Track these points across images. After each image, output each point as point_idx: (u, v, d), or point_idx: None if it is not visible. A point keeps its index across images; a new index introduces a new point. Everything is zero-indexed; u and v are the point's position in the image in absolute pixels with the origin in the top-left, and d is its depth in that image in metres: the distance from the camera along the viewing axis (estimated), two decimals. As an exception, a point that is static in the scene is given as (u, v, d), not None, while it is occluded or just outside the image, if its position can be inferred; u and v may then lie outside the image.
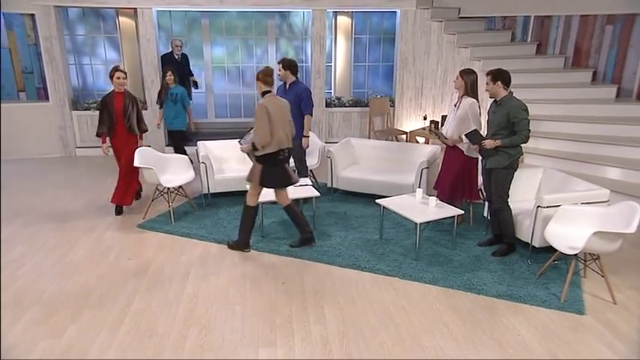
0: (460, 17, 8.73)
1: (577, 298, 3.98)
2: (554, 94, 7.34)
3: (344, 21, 9.06)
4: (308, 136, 5.69)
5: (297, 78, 5.69)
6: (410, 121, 8.70)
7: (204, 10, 8.52)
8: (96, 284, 4.25)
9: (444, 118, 7.52)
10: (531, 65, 7.96)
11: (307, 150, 5.88)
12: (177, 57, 8.30)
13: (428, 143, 7.73)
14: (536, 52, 8.40)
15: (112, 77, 5.60)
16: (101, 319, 3.75)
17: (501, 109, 4.38)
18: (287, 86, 5.67)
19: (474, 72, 5.00)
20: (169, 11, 8.72)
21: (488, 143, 4.40)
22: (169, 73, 6.62)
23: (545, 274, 4.34)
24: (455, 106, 5.12)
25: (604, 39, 7.55)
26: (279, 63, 5.64)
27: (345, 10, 8.78)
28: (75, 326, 3.65)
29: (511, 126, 4.33)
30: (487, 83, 4.43)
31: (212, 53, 9.22)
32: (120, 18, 8.60)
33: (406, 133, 8.31)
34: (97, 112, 5.77)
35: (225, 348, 3.43)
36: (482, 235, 5.12)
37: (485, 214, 5.20)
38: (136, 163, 5.44)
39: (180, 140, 7.02)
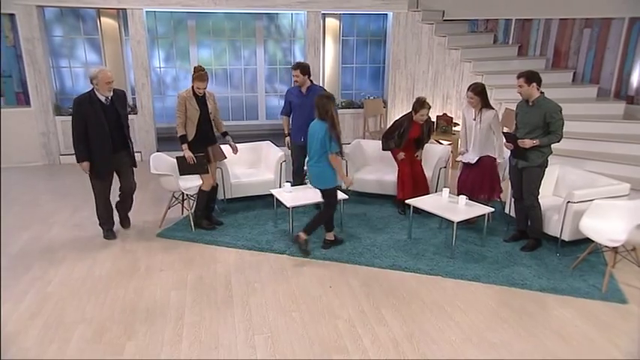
0: (444, 20, 8.97)
1: (615, 288, 4.21)
2: (537, 94, 7.63)
3: (332, 23, 9.09)
4: None
5: (311, 81, 5.66)
6: (401, 122, 8.83)
7: (190, 10, 8.29)
8: (137, 298, 4.07)
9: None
10: (513, 66, 8.26)
11: None
12: (105, 100, 4.77)
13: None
14: (518, 53, 8.74)
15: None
16: (157, 333, 3.61)
17: (536, 110, 4.54)
18: (304, 91, 5.60)
19: (481, 83, 5.22)
20: (154, 12, 8.42)
21: (528, 142, 4.54)
22: None
23: (577, 266, 4.55)
24: (474, 120, 5.23)
25: (582, 41, 7.97)
26: (295, 69, 5.52)
27: (336, 12, 8.80)
28: (133, 343, 3.49)
29: (546, 126, 4.51)
30: (520, 85, 4.57)
31: (199, 55, 8.98)
32: (101, 18, 8.24)
33: (401, 133, 8.43)
34: None
35: (298, 355, 3.38)
36: (504, 231, 5.30)
37: (507, 211, 5.38)
38: (152, 170, 5.25)
39: None
